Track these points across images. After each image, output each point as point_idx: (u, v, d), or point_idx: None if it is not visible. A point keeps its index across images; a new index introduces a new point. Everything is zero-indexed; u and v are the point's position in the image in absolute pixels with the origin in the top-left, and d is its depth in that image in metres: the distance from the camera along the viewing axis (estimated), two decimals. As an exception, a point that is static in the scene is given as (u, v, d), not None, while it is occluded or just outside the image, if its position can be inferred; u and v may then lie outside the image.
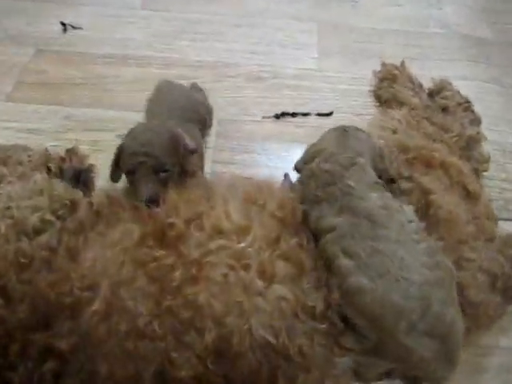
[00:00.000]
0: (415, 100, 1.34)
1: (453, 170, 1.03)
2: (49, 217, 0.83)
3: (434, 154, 1.04)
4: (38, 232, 0.81)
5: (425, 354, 0.74)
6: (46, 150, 1.13)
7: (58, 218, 0.84)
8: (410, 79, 1.43)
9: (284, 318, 0.73)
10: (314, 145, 0.96)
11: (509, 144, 1.42)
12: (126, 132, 1.03)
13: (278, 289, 0.75)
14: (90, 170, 1.16)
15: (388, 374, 0.81)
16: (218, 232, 0.81)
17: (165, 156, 0.97)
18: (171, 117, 1.14)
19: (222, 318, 0.71)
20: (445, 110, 1.30)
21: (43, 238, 0.80)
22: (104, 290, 0.73)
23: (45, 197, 0.86)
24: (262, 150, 1.36)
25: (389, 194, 0.87)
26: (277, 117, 1.44)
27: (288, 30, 1.78)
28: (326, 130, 1.01)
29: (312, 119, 1.45)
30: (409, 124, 1.18)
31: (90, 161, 1.21)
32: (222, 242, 0.79)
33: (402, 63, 1.50)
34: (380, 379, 0.81)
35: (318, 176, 0.88)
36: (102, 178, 1.15)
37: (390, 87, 1.45)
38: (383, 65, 1.53)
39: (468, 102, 1.33)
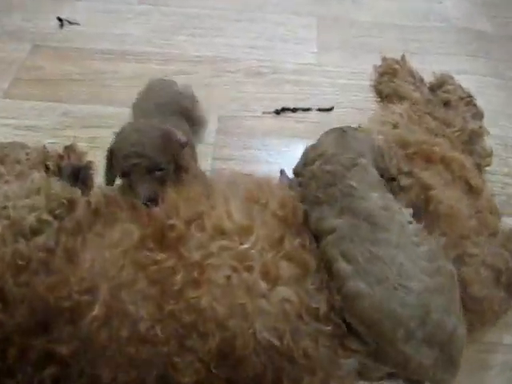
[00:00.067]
0: (416, 94, 1.33)
1: (455, 165, 1.02)
2: (46, 216, 0.82)
3: (434, 149, 1.03)
4: (35, 232, 0.79)
5: (423, 361, 0.72)
6: (44, 147, 1.12)
7: (56, 217, 0.83)
8: (411, 73, 1.42)
9: (288, 320, 0.72)
10: (312, 148, 0.94)
11: (510, 138, 1.41)
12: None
13: (282, 291, 0.73)
14: (88, 167, 1.15)
15: (390, 375, 0.80)
16: (220, 232, 0.79)
17: (158, 155, 0.95)
18: (156, 112, 1.14)
19: (226, 321, 0.70)
20: (446, 104, 1.29)
21: (40, 239, 0.78)
22: (103, 294, 0.72)
23: (42, 196, 0.85)
24: (263, 146, 1.35)
25: (390, 195, 0.85)
26: (277, 112, 1.43)
27: (288, 24, 1.77)
28: (327, 125, 1.00)
29: (312, 114, 1.44)
30: (410, 119, 1.17)
31: (89, 158, 1.20)
32: (223, 242, 0.78)
33: (403, 57, 1.49)
34: (382, 379, 0.81)
35: (320, 177, 0.86)
36: (100, 175, 1.13)
37: (390, 82, 1.44)
38: (383, 59, 1.52)
39: (470, 95, 1.32)
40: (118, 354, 0.69)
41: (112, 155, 0.98)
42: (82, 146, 1.24)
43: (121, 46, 1.62)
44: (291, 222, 0.83)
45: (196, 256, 0.76)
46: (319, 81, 1.55)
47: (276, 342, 0.70)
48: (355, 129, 0.98)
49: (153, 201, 0.89)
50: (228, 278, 0.74)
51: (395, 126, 1.12)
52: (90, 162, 1.17)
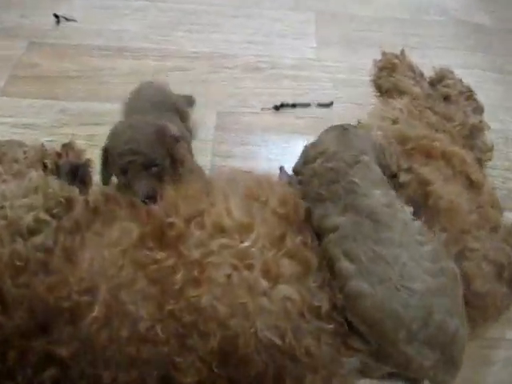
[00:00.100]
0: (416, 89, 1.32)
1: (455, 160, 1.01)
2: (43, 216, 0.81)
3: (435, 144, 1.02)
4: (32, 232, 0.78)
5: (425, 362, 0.72)
6: (42, 145, 1.12)
7: (54, 216, 0.82)
8: (411, 68, 1.42)
9: (290, 319, 0.71)
10: (312, 146, 0.93)
11: (510, 132, 1.41)
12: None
13: (284, 289, 0.73)
14: (87, 164, 1.14)
15: (391, 375, 0.80)
16: (220, 230, 0.79)
17: (153, 151, 0.95)
18: (152, 109, 1.14)
19: (227, 320, 0.70)
20: (447, 98, 1.29)
21: (38, 239, 0.78)
22: (103, 294, 0.71)
23: (39, 195, 0.84)
24: (262, 142, 1.35)
25: (393, 193, 0.84)
26: (276, 108, 1.43)
27: (285, 20, 1.77)
28: (327, 120, 0.99)
29: (311, 110, 1.43)
30: (411, 113, 1.16)
31: (87, 155, 1.19)
32: (223, 240, 0.77)
33: (402, 52, 1.48)
34: (383, 378, 0.80)
35: (322, 174, 0.85)
36: (99, 173, 1.14)
37: (390, 76, 1.43)
38: (383, 54, 1.50)
39: (470, 90, 1.32)
40: (118, 355, 0.69)
41: (107, 154, 0.97)
42: (80, 143, 1.23)
43: (118, 43, 1.62)
44: (292, 220, 0.82)
45: (196, 254, 0.75)
46: (318, 76, 1.55)
47: (278, 341, 0.69)
48: (355, 126, 0.97)
49: (151, 198, 0.89)
50: (228, 276, 0.73)
51: (395, 121, 1.11)
52: (89, 159, 1.16)
